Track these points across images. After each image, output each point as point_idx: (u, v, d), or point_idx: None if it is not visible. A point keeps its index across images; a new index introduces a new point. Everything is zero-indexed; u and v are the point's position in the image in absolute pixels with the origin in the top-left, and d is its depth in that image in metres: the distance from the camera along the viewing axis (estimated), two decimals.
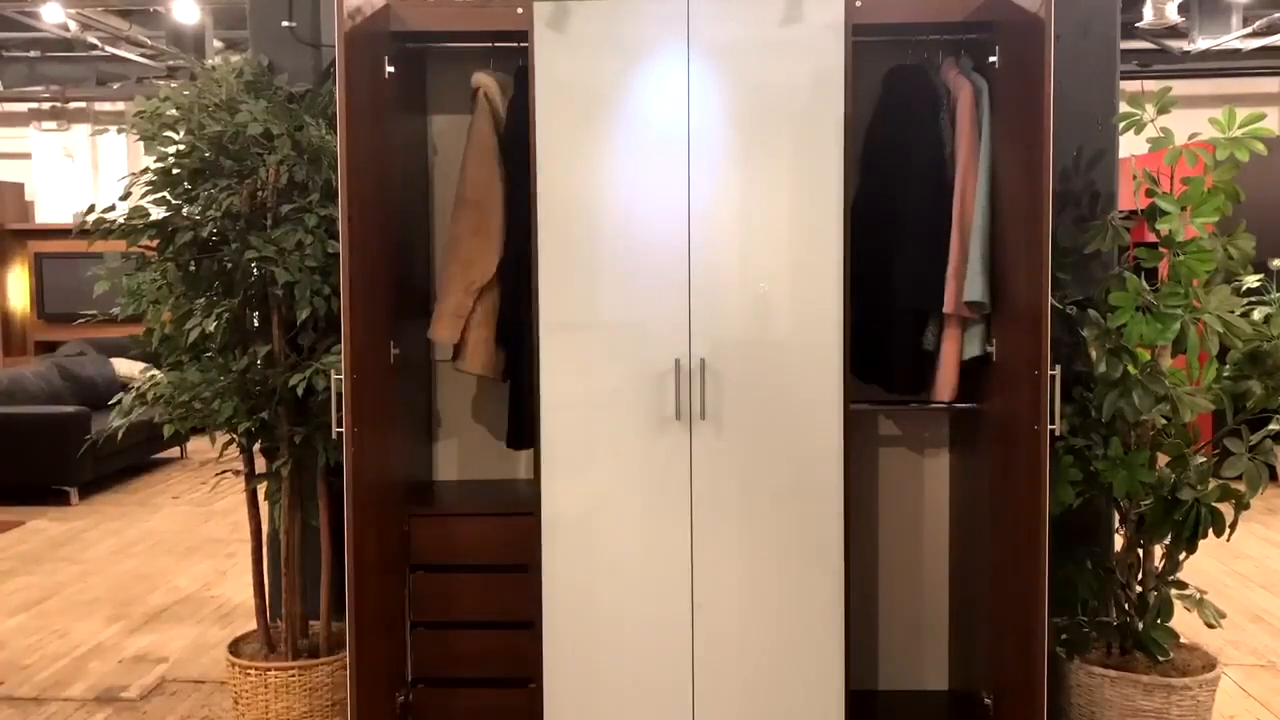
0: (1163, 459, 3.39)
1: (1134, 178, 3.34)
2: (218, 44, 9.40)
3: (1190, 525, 3.28)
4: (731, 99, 3.24)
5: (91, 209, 3.54)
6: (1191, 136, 3.37)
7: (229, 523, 6.91)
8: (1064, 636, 3.44)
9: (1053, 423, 2.99)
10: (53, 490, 7.61)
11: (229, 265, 3.43)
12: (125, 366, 8.95)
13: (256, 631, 3.74)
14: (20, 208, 11.51)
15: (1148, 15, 7.84)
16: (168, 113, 3.47)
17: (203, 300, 3.51)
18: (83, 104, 11.64)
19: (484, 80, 3.51)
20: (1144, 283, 3.27)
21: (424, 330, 3.57)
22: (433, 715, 3.54)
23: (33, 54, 10.70)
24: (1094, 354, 3.27)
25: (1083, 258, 3.48)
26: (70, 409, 7.71)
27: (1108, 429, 3.30)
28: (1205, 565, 5.37)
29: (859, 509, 3.57)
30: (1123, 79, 3.75)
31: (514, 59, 3.54)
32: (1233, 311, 3.25)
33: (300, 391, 3.36)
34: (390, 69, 3.35)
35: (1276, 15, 8.97)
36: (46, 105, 11.65)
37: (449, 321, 3.48)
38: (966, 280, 3.31)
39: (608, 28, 3.25)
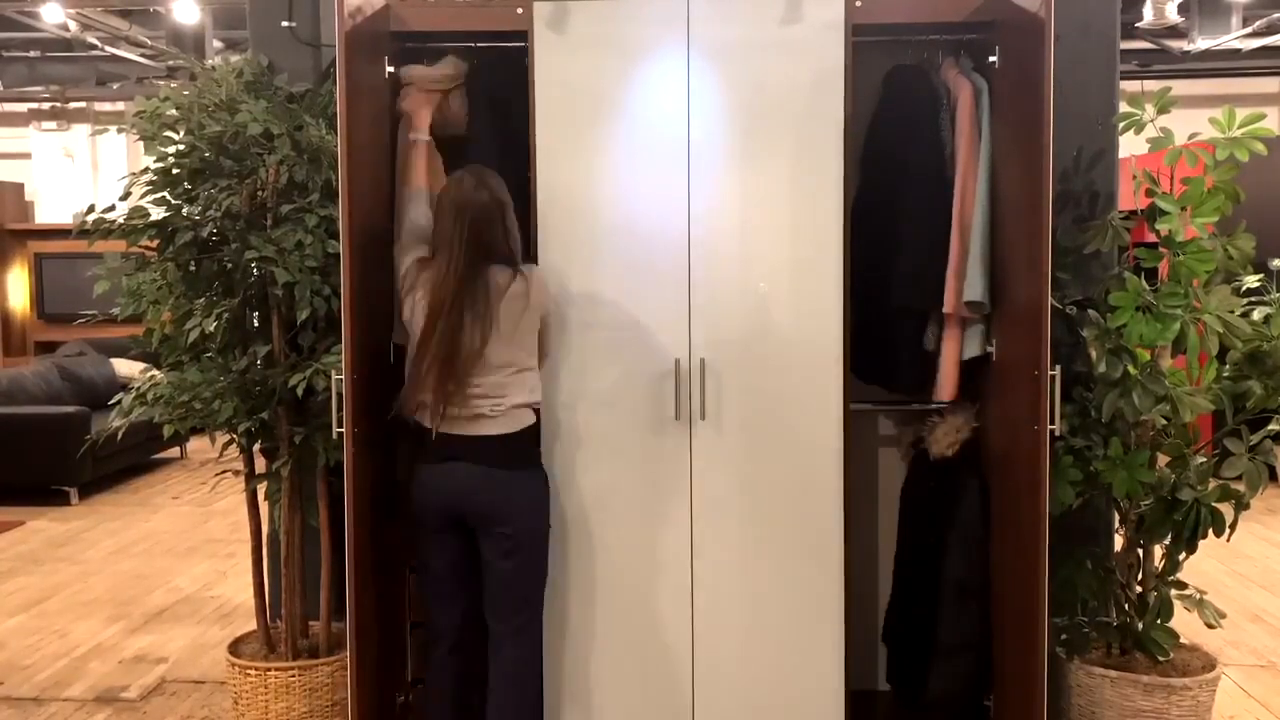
0: (1163, 459, 3.39)
1: (1134, 178, 3.34)
2: (218, 44, 9.39)
3: (1190, 525, 3.28)
4: (731, 99, 3.24)
5: (91, 209, 3.53)
6: (1191, 136, 3.36)
7: (229, 523, 6.91)
8: (1064, 636, 3.43)
9: (1053, 423, 2.99)
10: (53, 490, 7.61)
11: (229, 265, 3.43)
12: (125, 366, 8.94)
13: (256, 632, 3.74)
14: (20, 208, 11.51)
15: (1148, 15, 7.84)
16: (168, 113, 3.47)
17: (203, 300, 3.51)
18: (83, 104, 11.64)
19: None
20: (1144, 283, 3.27)
21: None
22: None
23: (33, 54, 10.69)
24: (1094, 354, 3.27)
25: (1083, 258, 3.48)
26: (70, 409, 7.72)
27: (1108, 429, 3.30)
28: (1205, 565, 5.36)
29: (859, 509, 3.56)
30: (1123, 79, 3.75)
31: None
32: (1233, 311, 3.25)
33: (300, 391, 3.36)
34: (390, 69, 3.35)
35: (1276, 15, 8.97)
36: (46, 105, 11.65)
37: None
38: (966, 280, 3.31)
39: (608, 28, 3.25)
